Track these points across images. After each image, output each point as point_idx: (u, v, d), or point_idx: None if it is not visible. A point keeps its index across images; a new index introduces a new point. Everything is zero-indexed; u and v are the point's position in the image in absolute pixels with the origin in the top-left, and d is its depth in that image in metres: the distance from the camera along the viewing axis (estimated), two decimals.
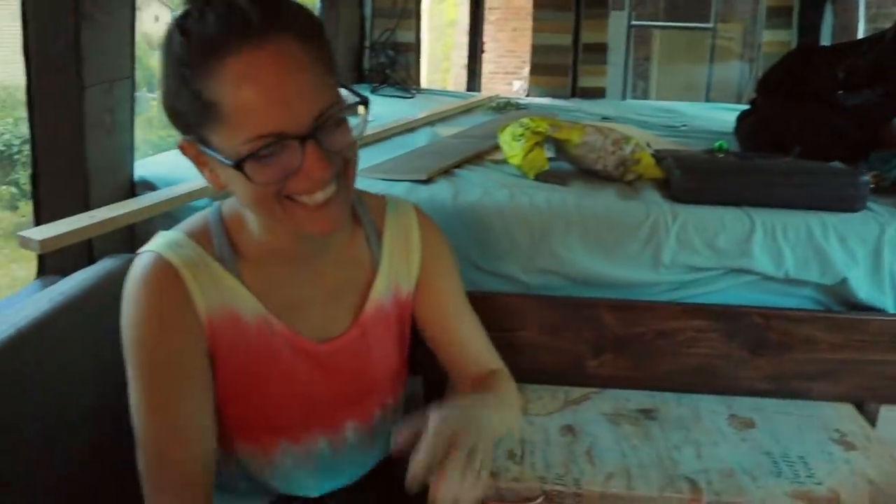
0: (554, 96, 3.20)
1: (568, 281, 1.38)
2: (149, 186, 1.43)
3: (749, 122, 2.04)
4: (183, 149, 0.83)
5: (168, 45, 0.77)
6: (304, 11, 0.80)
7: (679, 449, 1.16)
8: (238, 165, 0.75)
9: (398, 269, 1.03)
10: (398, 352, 1.06)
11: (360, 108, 0.83)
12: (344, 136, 0.80)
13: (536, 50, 3.26)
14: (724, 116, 2.78)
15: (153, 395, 0.87)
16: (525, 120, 1.58)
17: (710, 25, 4.85)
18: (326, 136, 0.78)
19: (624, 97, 4.22)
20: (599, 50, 3.27)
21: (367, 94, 0.96)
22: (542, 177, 1.53)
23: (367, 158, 1.73)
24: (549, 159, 1.64)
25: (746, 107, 2.26)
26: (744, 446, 1.18)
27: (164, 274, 0.87)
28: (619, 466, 1.11)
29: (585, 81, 3.27)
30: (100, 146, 1.29)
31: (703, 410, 1.28)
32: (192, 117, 0.78)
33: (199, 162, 0.83)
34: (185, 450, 0.87)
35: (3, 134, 8.04)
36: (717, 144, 1.82)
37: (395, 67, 3.05)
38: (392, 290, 1.03)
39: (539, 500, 1.06)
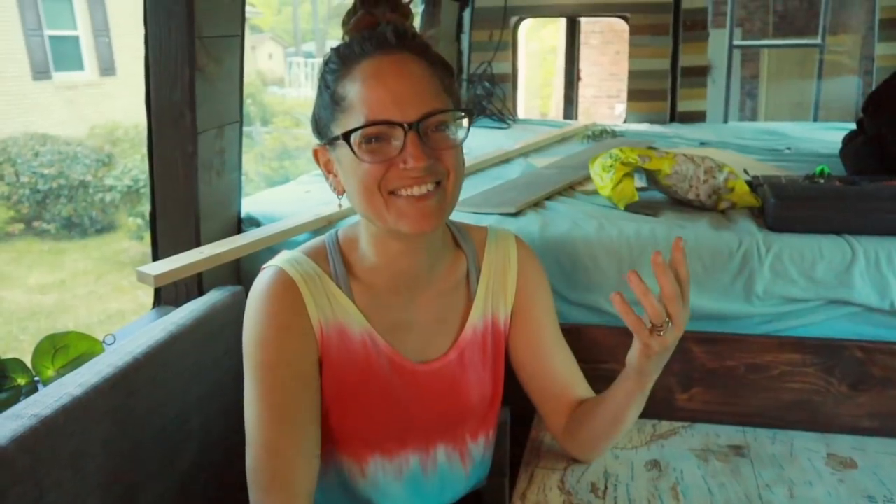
0: (652, 122, 3.16)
1: None
2: (254, 223, 1.53)
3: (855, 143, 1.95)
4: (315, 154, 0.99)
5: (323, 63, 0.96)
6: (429, 46, 0.98)
7: (770, 488, 1.12)
8: (346, 136, 0.89)
9: (496, 297, 1.10)
10: (492, 380, 1.11)
11: (465, 120, 0.97)
12: (446, 141, 0.93)
13: (633, 75, 3.24)
14: (832, 137, 2.66)
15: (270, 393, 0.94)
16: (615, 151, 1.59)
17: (817, 42, 4.63)
18: (430, 134, 0.91)
19: (726, 120, 4.10)
20: (699, 73, 3.22)
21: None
22: (632, 208, 1.53)
23: (463, 188, 1.78)
24: (642, 189, 1.64)
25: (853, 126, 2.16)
26: (842, 487, 1.13)
27: (284, 285, 0.97)
28: None
29: (685, 106, 3.22)
30: (210, 186, 1.40)
31: (799, 448, 1.23)
32: (325, 116, 0.94)
33: (327, 168, 0.99)
34: (296, 449, 0.93)
35: (131, 170, 8.71)
36: (818, 169, 1.75)
37: (492, 99, 3.11)
38: (489, 316, 1.09)
39: None
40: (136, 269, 1.20)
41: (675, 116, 3.21)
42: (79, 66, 11.94)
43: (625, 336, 1.32)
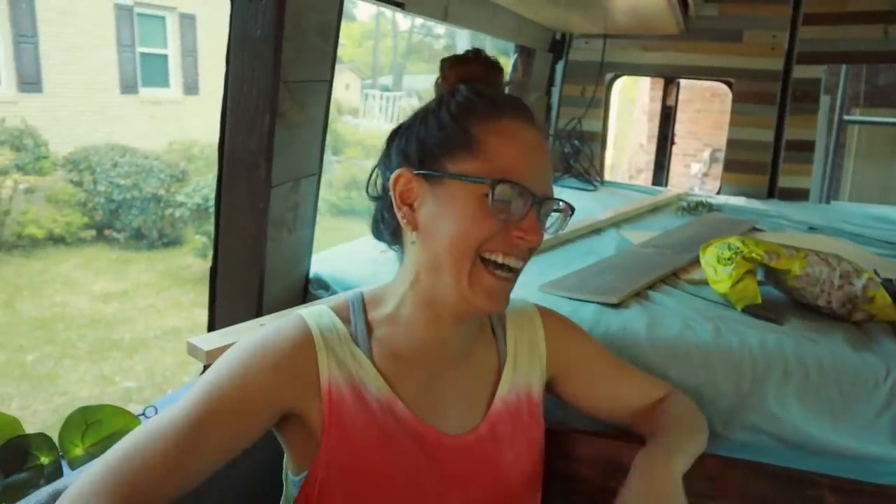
0: (748, 196, 2.93)
1: (780, 443, 1.15)
2: (323, 285, 1.38)
3: None
4: (397, 179, 0.90)
5: (451, 94, 0.92)
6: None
7: None
8: (494, 183, 0.85)
9: (525, 369, 1.03)
10: (531, 455, 0.99)
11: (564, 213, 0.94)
12: (543, 226, 0.91)
13: (732, 144, 3.01)
14: None
15: (195, 404, 0.81)
16: (734, 241, 1.39)
17: None
18: (545, 213, 0.91)
19: (828, 199, 3.83)
20: (806, 148, 2.97)
21: None
22: (753, 310, 1.33)
23: (552, 264, 1.61)
24: (758, 282, 1.44)
25: None
26: None
27: (299, 332, 0.89)
28: None
29: (786, 181, 2.97)
30: (280, 244, 1.26)
31: None
32: (441, 146, 0.88)
33: (404, 198, 0.90)
34: (164, 466, 0.77)
35: (202, 188, 8.82)
36: None
37: (579, 157, 2.94)
38: (519, 389, 1.00)
39: None
40: (187, 341, 1.05)
41: (774, 192, 2.96)
42: (165, 83, 12.31)
43: (741, 470, 1.12)
